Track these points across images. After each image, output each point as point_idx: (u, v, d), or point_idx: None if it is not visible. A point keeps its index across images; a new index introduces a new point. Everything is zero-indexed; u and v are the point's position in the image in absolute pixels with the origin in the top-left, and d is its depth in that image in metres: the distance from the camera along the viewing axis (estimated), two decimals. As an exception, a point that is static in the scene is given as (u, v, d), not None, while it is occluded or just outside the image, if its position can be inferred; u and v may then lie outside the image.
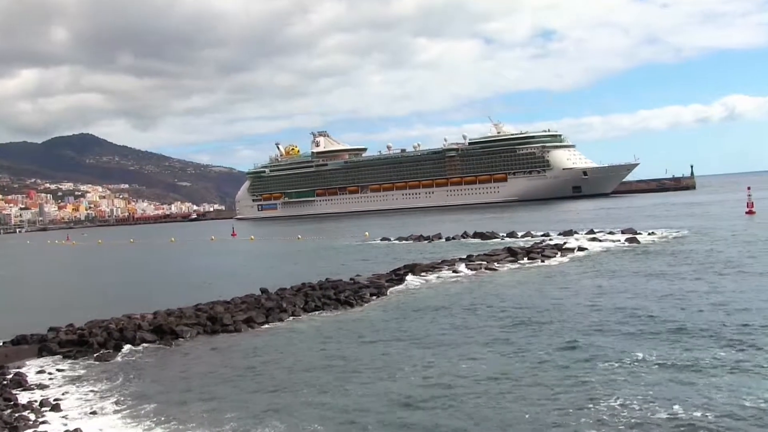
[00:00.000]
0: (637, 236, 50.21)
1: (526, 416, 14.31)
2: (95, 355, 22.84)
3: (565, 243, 47.59)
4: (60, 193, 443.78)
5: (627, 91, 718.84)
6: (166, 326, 25.37)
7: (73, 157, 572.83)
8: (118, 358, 22.45)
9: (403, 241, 65.29)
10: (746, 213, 67.18)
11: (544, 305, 26.16)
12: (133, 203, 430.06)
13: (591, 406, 14.53)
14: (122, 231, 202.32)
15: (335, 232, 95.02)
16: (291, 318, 27.51)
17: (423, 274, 37.01)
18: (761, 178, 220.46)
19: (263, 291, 32.37)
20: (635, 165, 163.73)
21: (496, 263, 39.94)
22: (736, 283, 28.24)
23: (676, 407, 14.01)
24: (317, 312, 28.56)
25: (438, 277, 36.46)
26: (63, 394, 18.44)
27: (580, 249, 44.78)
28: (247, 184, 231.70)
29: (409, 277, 35.94)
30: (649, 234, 51.93)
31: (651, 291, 27.89)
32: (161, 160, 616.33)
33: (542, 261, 40.70)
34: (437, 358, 19.41)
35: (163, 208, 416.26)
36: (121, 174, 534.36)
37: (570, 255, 42.75)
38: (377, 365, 19.12)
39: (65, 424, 15.64)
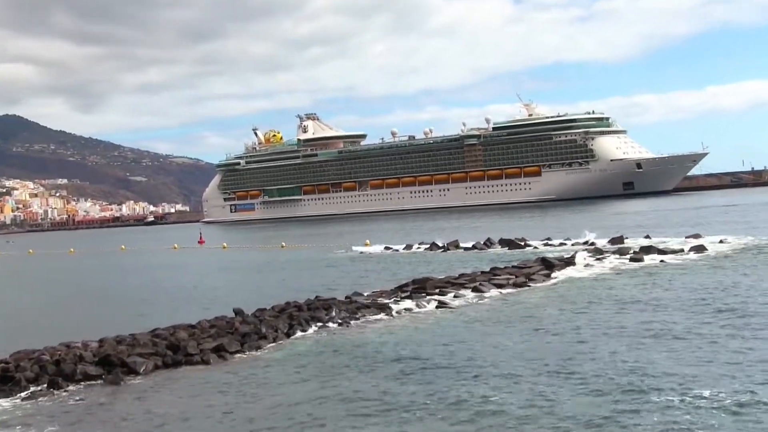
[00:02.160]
0: (706, 244, 50.22)
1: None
2: (23, 394, 22.63)
3: (614, 252, 47.59)
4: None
5: (693, 63, 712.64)
6: (116, 357, 25.25)
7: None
8: (53, 399, 22.26)
9: (412, 250, 65.48)
10: None
11: (584, 336, 25.99)
12: (74, 203, 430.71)
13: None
14: (60, 237, 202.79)
15: (327, 239, 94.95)
16: (272, 345, 27.42)
17: (436, 291, 36.91)
18: None
19: (237, 312, 32.26)
20: (703, 155, 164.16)
21: (527, 278, 40.02)
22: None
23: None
24: (305, 338, 28.47)
25: (456, 294, 36.39)
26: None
27: (633, 260, 44.89)
28: (217, 179, 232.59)
29: (420, 296, 35.83)
30: (720, 242, 51.86)
31: (712, 316, 27.77)
32: (109, 149, 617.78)
33: (582, 272, 41.17)
34: (456, 400, 19.13)
35: (112, 209, 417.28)
36: (57, 166, 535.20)
37: (620, 267, 42.92)
38: (382, 406, 18.97)
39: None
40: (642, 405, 17.18)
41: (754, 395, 17.18)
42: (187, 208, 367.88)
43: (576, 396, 18.39)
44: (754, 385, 17.96)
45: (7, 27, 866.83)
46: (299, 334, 28.96)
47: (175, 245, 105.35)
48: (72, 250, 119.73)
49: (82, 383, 23.70)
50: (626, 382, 19.03)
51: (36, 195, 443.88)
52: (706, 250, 48.12)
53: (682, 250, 48.52)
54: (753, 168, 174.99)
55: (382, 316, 32.05)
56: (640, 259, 45.01)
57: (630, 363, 21.05)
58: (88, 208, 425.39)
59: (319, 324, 30.04)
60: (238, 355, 26.32)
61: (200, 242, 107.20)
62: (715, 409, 16.49)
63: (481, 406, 18.16)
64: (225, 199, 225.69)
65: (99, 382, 23.85)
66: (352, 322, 30.71)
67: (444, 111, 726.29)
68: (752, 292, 31.67)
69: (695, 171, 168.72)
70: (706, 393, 17.64)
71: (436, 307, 33.80)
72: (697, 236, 54.20)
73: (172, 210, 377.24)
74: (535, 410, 17.48)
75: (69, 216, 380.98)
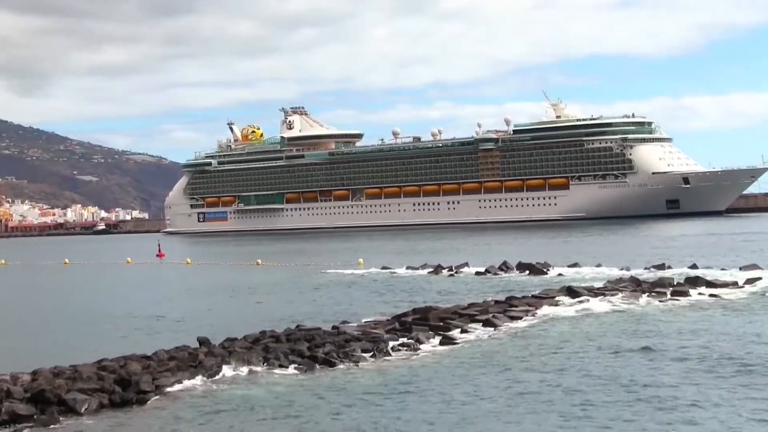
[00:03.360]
0: (765, 276, 50.23)
1: None
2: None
3: (653, 283, 47.66)
4: None
5: (757, 59, 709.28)
6: (52, 393, 25.06)
7: None
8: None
9: (414, 273, 65.69)
10: None
11: (626, 382, 25.93)
12: (8, 205, 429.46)
13: None
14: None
15: (313, 257, 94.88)
16: (243, 381, 27.29)
17: (440, 323, 36.80)
18: None
19: (202, 342, 32.20)
20: (764, 170, 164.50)
21: (551, 308, 40.17)
22: None
23: None
24: (282, 374, 28.35)
25: (464, 327, 36.30)
26: None
27: (676, 293, 44.69)
28: (183, 181, 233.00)
29: (421, 328, 35.70)
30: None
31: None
32: (53, 142, 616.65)
33: (616, 306, 41.11)
34: None
35: (55, 214, 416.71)
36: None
37: (660, 300, 43.02)
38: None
39: None
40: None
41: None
42: (146, 216, 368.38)
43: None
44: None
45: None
46: (276, 370, 28.82)
47: (129, 259, 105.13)
48: (3, 261, 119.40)
49: (9, 425, 23.48)
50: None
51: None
52: (762, 280, 48.34)
53: (735, 283, 48.44)
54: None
55: (375, 351, 31.90)
56: (686, 293, 44.88)
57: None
58: (25, 212, 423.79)
59: (300, 359, 29.88)
60: (202, 391, 26.20)
61: (159, 256, 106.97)
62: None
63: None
64: (192, 206, 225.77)
65: (30, 423, 23.65)
66: (339, 359, 30.52)
67: (456, 109, 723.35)
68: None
69: (753, 189, 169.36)
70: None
71: (440, 343, 33.74)
72: (754, 267, 54.05)
73: (128, 217, 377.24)
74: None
75: (1, 221, 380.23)
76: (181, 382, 26.60)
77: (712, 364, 27.33)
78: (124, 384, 26.25)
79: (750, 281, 48.66)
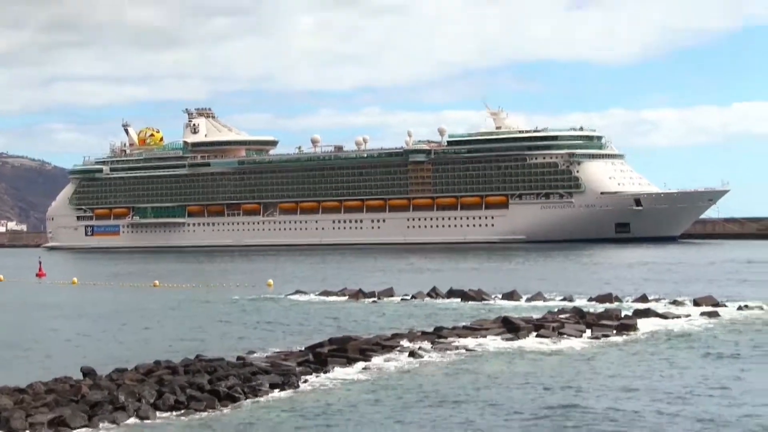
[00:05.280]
0: (720, 309, 51.31)
1: None
2: None
3: (598, 315, 48.24)
4: None
5: (717, 72, 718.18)
6: None
7: None
8: None
9: (331, 299, 65.80)
10: None
11: (555, 417, 26.55)
12: None
13: None
14: None
15: (217, 278, 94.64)
16: (132, 420, 27.15)
17: (361, 355, 36.96)
18: None
19: (87, 373, 31.97)
20: (723, 193, 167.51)
21: (482, 341, 40.47)
22: None
23: None
24: (179, 410, 28.26)
25: (386, 360, 36.59)
26: None
27: (624, 327, 45.33)
28: (68, 189, 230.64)
29: (338, 361, 35.84)
30: (739, 308, 52.90)
31: (733, 399, 28.48)
32: None
33: (557, 340, 41.52)
34: None
35: None
36: None
37: (605, 335, 43.33)
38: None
39: None
40: None
41: None
42: (24, 228, 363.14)
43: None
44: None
45: None
46: (172, 406, 28.69)
47: (1, 277, 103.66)
48: None
49: None
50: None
51: None
52: (719, 316, 49.32)
53: (689, 316, 49.41)
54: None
55: (285, 386, 31.96)
56: (633, 327, 45.58)
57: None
58: None
59: (200, 393, 29.80)
60: (85, 431, 26.03)
61: (40, 275, 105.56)
62: None
63: None
64: (79, 218, 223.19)
65: None
66: (244, 394, 30.50)
67: (386, 115, 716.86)
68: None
69: (711, 213, 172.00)
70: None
71: (359, 377, 33.92)
72: (710, 299, 55.04)
73: (2, 229, 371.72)
74: None
75: None
76: (61, 419, 26.35)
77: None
78: (-8, 421, 26.02)
79: (706, 315, 49.67)
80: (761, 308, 53.07)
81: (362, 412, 28.12)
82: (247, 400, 29.87)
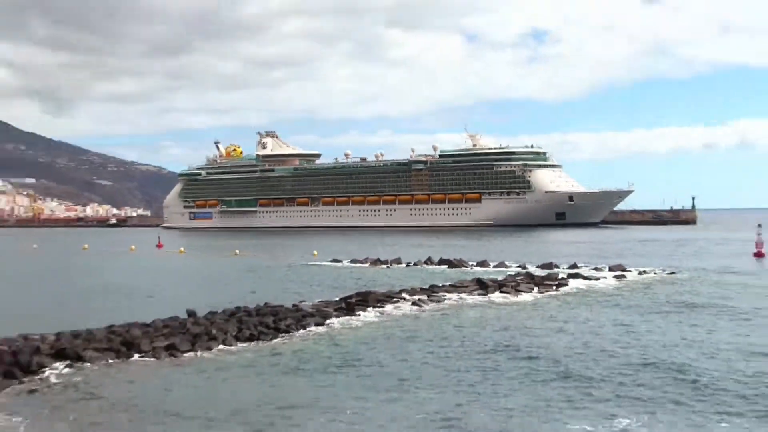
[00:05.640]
0: (626, 273, 51.31)
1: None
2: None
3: (543, 277, 48.17)
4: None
5: (626, 107, 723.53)
6: (71, 350, 24.98)
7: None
8: (8, 389, 21.89)
9: (357, 265, 65.41)
10: (754, 255, 68.28)
11: (512, 346, 26.74)
12: (40, 202, 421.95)
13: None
14: (24, 234, 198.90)
15: (279, 250, 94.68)
16: (221, 347, 27.30)
17: (378, 304, 37.04)
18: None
19: (190, 314, 32.09)
20: (629, 192, 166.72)
21: (463, 296, 40.37)
22: (718, 332, 28.96)
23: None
24: (252, 341, 28.41)
25: (396, 308, 36.60)
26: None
27: (560, 285, 45.44)
28: (178, 187, 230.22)
29: (362, 308, 35.95)
30: (639, 273, 52.85)
31: (632, 334, 28.74)
32: (77, 153, 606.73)
33: (516, 295, 41.27)
34: (383, 402, 19.70)
35: (77, 210, 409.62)
36: (26, 166, 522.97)
37: (548, 291, 43.35)
38: (313, 412, 19.10)
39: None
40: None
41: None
42: (149, 213, 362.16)
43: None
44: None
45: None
46: (248, 338, 28.87)
47: (133, 247, 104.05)
48: (35, 246, 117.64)
49: (38, 374, 23.37)
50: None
51: (3, 193, 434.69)
52: (625, 278, 49.39)
53: (605, 278, 49.47)
54: (672, 207, 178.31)
55: (325, 325, 32.15)
56: (566, 285, 45.70)
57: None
58: (54, 207, 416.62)
59: (266, 329, 29.97)
60: (189, 354, 26.16)
61: (158, 246, 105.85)
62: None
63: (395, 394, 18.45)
64: (185, 207, 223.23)
65: (54, 373, 23.56)
66: (297, 328, 30.73)
67: (395, 136, 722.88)
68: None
69: (621, 206, 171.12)
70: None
71: (376, 318, 34.06)
72: (619, 266, 55.08)
73: (134, 214, 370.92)
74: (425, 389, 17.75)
75: (35, 214, 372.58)
76: (173, 345, 26.52)
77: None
78: (128, 345, 26.21)
79: (617, 277, 49.76)
80: (654, 272, 53.13)
81: (377, 342, 28.27)
82: (299, 333, 30.14)
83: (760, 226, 76.35)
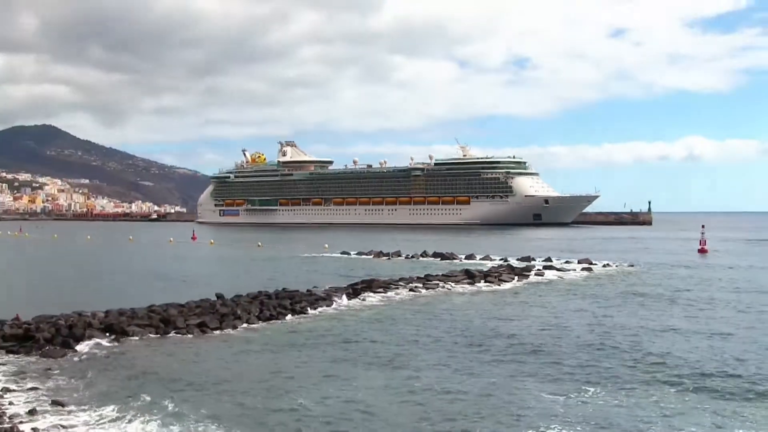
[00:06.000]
0: (593, 266, 51.25)
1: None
2: (41, 351, 22.34)
3: (522, 268, 48.13)
4: (17, 184, 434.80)
5: (594, 123, 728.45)
6: (118, 326, 25.05)
7: (34, 148, 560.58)
8: (65, 356, 21.98)
9: (363, 256, 65.34)
10: (699, 251, 69.10)
11: (494, 327, 26.68)
12: (93, 199, 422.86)
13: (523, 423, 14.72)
14: (79, 226, 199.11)
15: (296, 243, 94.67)
16: (245, 326, 27.31)
17: (380, 290, 37.04)
18: (716, 219, 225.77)
19: (219, 296, 32.12)
20: (595, 197, 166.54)
21: (453, 284, 40.31)
22: (670, 317, 28.90)
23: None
24: (271, 321, 28.43)
25: (395, 294, 36.59)
26: (2, 390, 17.88)
27: (537, 275, 45.43)
28: (210, 188, 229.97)
29: (366, 293, 35.96)
30: (603, 265, 52.79)
31: (596, 318, 28.62)
32: (125, 158, 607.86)
33: (499, 284, 41.19)
34: (383, 371, 19.76)
35: (124, 207, 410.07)
36: (82, 169, 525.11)
37: (526, 280, 43.36)
38: (324, 381, 19.13)
39: (0, 423, 15.17)
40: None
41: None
42: (185, 210, 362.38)
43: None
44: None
45: (50, 54, 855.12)
46: (268, 318, 28.92)
47: (171, 239, 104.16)
48: (89, 237, 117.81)
49: (89, 344, 23.45)
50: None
51: (62, 191, 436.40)
52: (592, 270, 49.30)
53: (574, 270, 49.43)
54: (632, 210, 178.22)
55: (335, 306, 32.19)
56: (542, 275, 45.70)
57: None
58: (104, 204, 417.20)
59: (284, 310, 30.02)
60: (217, 331, 26.19)
61: (193, 238, 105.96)
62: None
63: (395, 362, 18.48)
64: (215, 205, 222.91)
65: (103, 344, 23.63)
66: (310, 310, 30.75)
67: (397, 147, 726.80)
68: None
69: (589, 209, 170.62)
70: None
71: (379, 301, 34.08)
72: (587, 260, 55.04)
73: (173, 210, 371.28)
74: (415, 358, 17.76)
75: (88, 209, 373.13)
76: (204, 323, 26.56)
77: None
78: (166, 322, 26.25)
79: (584, 269, 49.73)
80: (616, 266, 53.07)
81: (380, 322, 28.28)
82: (312, 313, 30.19)
83: (703, 226, 78.24)
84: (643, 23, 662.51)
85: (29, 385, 18.45)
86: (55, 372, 19.95)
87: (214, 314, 27.75)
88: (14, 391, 17.95)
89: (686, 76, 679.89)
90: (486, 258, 59.36)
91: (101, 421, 15.45)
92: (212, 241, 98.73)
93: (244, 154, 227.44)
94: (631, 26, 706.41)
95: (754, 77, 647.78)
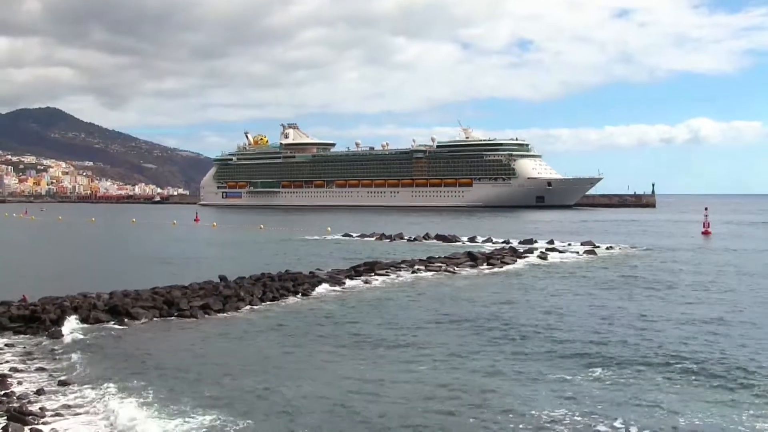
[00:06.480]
0: (595, 249, 51.13)
1: (458, 418, 14.54)
2: (47, 332, 22.51)
3: (524, 251, 48.13)
4: (21, 166, 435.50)
5: (597, 106, 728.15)
6: (122, 307, 25.16)
7: (38, 131, 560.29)
8: (71, 336, 22.14)
9: (365, 239, 65.25)
10: (702, 233, 68.78)
11: (497, 309, 26.70)
12: (97, 181, 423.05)
13: (524, 412, 14.79)
14: (83, 209, 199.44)
15: (298, 225, 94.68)
16: (248, 307, 27.41)
17: (382, 272, 37.08)
18: (719, 201, 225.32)
19: (222, 278, 32.18)
20: (599, 179, 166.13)
21: (455, 266, 40.27)
22: (672, 300, 28.96)
23: (617, 421, 14.35)
24: (274, 302, 28.53)
25: (398, 276, 36.61)
26: (10, 370, 18.13)
27: (539, 257, 45.42)
28: (213, 170, 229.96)
29: (369, 275, 36.01)
30: (607, 248, 52.71)
31: (597, 300, 28.71)
32: (128, 141, 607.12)
33: (501, 267, 41.17)
34: (385, 350, 19.91)
35: (127, 189, 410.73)
36: (85, 151, 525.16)
37: (528, 263, 43.33)
38: (326, 359, 19.24)
39: (9, 402, 15.35)
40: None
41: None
42: (188, 193, 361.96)
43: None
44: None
45: (53, 37, 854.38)
46: (271, 299, 29.03)
47: (175, 222, 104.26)
48: (93, 219, 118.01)
49: (95, 325, 23.60)
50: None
51: (67, 173, 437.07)
52: (595, 253, 49.19)
53: (577, 252, 49.43)
54: (635, 192, 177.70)
55: (337, 288, 32.27)
56: (545, 257, 45.70)
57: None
58: (107, 186, 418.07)
59: (287, 292, 30.11)
60: (221, 313, 26.29)
61: (196, 221, 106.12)
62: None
63: (391, 342, 18.60)
64: (218, 187, 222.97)
65: (107, 325, 23.78)
66: (313, 292, 30.85)
67: (399, 129, 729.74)
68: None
69: (592, 191, 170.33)
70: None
71: (381, 282, 34.17)
72: (589, 242, 55.02)
73: (175, 193, 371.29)
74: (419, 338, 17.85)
75: (92, 192, 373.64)
76: (207, 305, 26.66)
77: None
78: (169, 304, 26.34)
79: (587, 252, 49.72)
80: (619, 248, 53.03)
81: (382, 304, 28.35)
82: (314, 295, 30.30)
83: (707, 209, 77.34)
84: (648, 2, 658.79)
85: (36, 366, 18.65)
86: (61, 352, 20.11)
87: (218, 296, 27.84)
88: (22, 371, 18.16)
89: (690, 58, 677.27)
90: (488, 240, 59.14)
91: (106, 401, 15.57)
92: (215, 223, 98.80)
93: (247, 137, 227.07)
94: (636, 6, 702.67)
95: (759, 58, 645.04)
